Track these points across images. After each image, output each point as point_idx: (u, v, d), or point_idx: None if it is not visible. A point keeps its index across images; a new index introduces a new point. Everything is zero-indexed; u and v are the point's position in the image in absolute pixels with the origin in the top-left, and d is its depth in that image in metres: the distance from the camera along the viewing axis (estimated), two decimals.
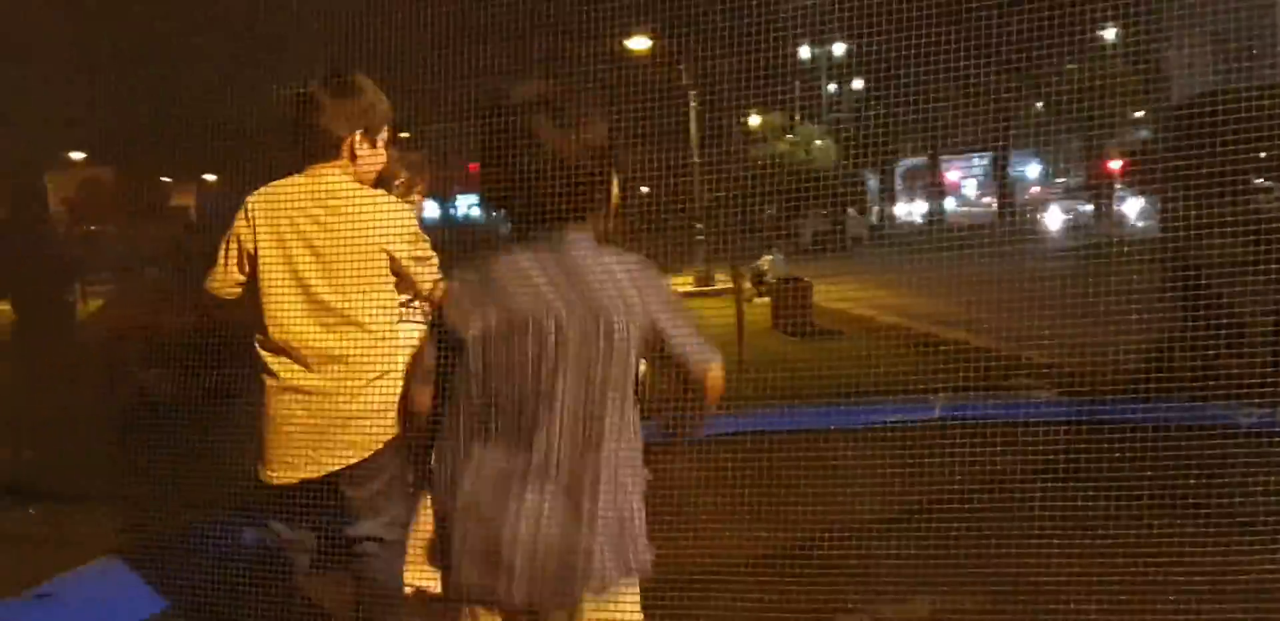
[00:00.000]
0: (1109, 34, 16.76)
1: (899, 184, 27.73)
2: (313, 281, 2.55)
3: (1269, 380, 3.96)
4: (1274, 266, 5.28)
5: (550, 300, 1.73)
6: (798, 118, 23.70)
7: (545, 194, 1.75)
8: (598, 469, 1.73)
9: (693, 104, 13.97)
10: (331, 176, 2.62)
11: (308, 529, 2.80)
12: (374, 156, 2.68)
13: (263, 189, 2.67)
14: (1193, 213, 6.17)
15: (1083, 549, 3.27)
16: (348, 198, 2.57)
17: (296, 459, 2.59)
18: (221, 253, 2.70)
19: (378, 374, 2.55)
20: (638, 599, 1.80)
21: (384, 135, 2.72)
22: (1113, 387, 5.05)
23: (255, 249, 2.61)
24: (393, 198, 2.70)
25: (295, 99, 2.66)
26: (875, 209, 24.80)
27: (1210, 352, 4.19)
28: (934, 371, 5.75)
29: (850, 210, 22.13)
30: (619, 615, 1.75)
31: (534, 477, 1.72)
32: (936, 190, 27.27)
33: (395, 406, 2.44)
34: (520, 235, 1.80)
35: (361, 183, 2.66)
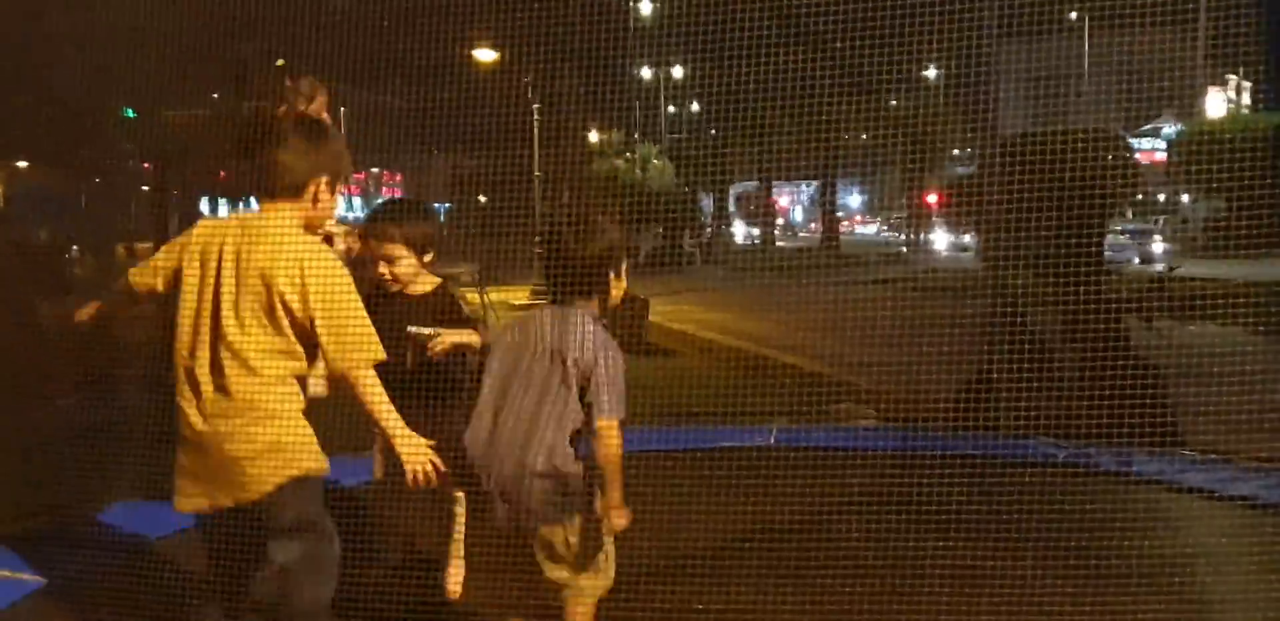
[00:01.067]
0: (931, 73, 17.64)
1: (732, 206, 28.35)
2: (224, 315, 2.55)
3: (1079, 414, 4.20)
4: (1082, 302, 5.64)
5: (540, 338, 2.80)
6: (637, 136, 23.97)
7: (565, 280, 2.81)
8: (537, 445, 2.71)
9: (535, 117, 13.97)
10: (284, 219, 2.61)
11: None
12: (330, 203, 2.74)
13: (215, 218, 2.72)
14: (1008, 247, 6.54)
15: (899, 575, 3.38)
16: (286, 242, 2.56)
17: (194, 492, 2.61)
18: (159, 255, 2.74)
19: (260, 417, 2.54)
20: (575, 534, 2.74)
21: (340, 185, 2.78)
22: (931, 418, 5.26)
23: (181, 269, 2.63)
24: (331, 256, 2.64)
25: (263, 132, 2.63)
26: (708, 230, 25.26)
27: (1023, 386, 4.43)
28: (765, 395, 5.87)
29: (686, 230, 22.48)
30: (556, 539, 2.75)
31: (502, 443, 2.74)
32: (766, 214, 27.99)
33: (282, 448, 2.53)
34: (554, 299, 2.86)
35: (310, 228, 2.69)
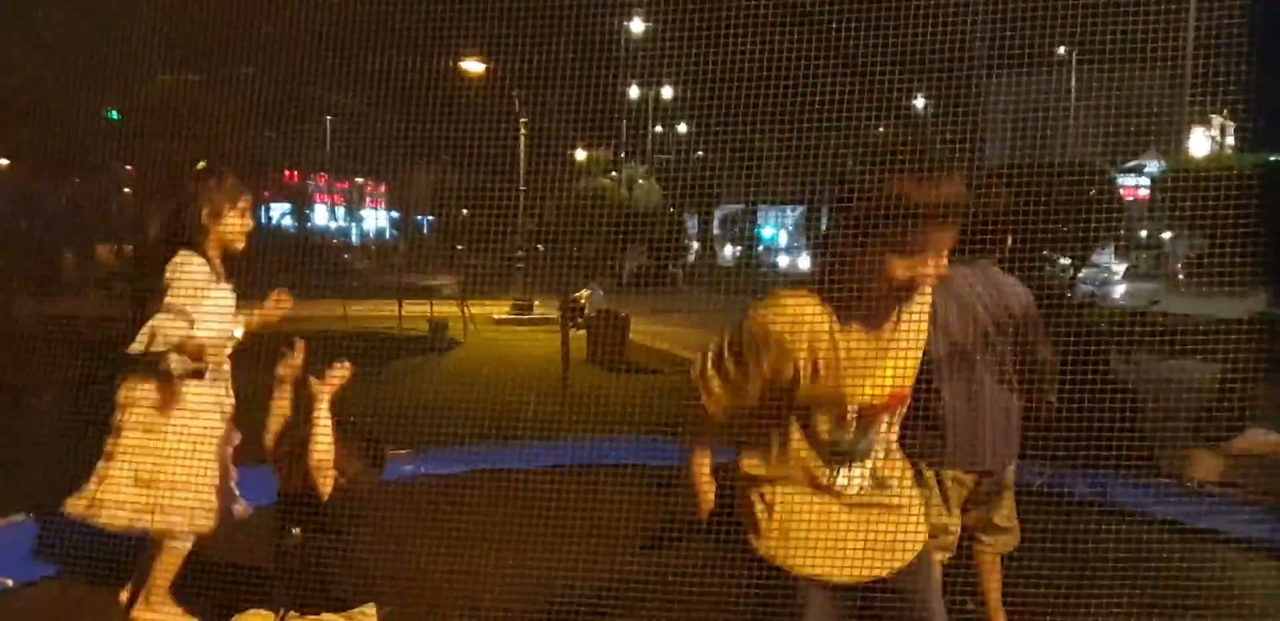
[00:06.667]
0: (919, 103, 17.73)
1: (716, 228, 28.42)
2: None
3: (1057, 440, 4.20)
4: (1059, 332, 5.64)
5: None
6: (624, 155, 24.03)
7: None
8: None
9: (523, 132, 13.95)
10: None
11: None
12: None
13: None
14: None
15: None
16: None
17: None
18: None
19: None
20: None
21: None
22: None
23: None
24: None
25: None
26: (693, 250, 25.31)
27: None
28: None
29: (671, 251, 22.50)
30: None
31: None
32: (751, 237, 28.09)
33: None
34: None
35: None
